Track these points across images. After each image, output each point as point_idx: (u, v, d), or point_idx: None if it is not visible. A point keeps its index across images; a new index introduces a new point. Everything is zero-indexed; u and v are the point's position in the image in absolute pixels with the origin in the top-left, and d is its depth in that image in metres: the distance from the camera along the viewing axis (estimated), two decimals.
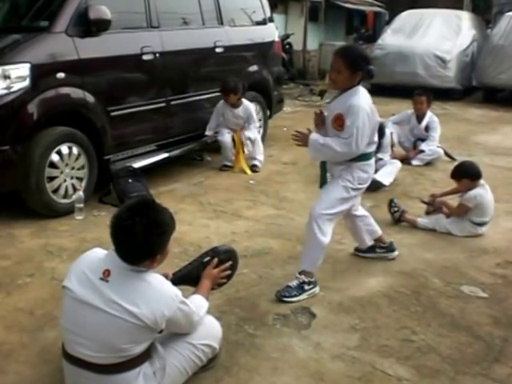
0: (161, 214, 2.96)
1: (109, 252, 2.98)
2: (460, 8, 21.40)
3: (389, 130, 7.98)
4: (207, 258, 3.56)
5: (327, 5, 20.88)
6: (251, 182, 7.43)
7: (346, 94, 4.27)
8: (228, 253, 3.67)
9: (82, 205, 5.95)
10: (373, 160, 4.54)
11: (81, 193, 5.98)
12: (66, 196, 6.05)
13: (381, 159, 7.49)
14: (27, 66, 5.56)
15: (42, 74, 5.69)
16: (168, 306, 2.88)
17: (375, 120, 4.33)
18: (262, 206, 6.49)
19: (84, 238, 5.44)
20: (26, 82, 5.56)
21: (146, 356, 2.99)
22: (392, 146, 8.02)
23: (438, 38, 15.16)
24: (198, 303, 3.21)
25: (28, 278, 4.64)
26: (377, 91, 15.25)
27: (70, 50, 5.96)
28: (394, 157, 7.86)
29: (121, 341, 2.84)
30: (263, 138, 8.72)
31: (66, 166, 6.00)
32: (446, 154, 8.70)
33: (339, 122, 4.21)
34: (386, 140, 7.67)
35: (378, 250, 5.12)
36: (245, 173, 7.79)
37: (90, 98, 6.14)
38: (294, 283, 4.39)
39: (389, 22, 18.83)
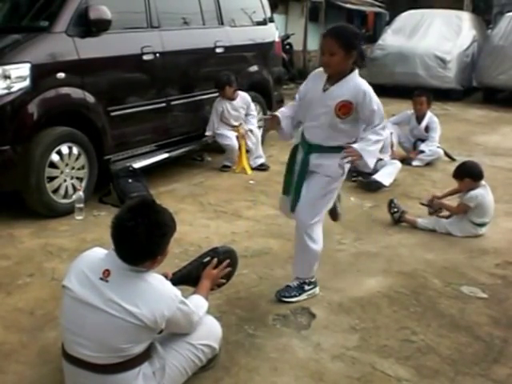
0: (162, 214, 2.97)
1: (109, 252, 2.99)
2: (460, 8, 21.36)
3: (389, 130, 7.97)
4: (207, 259, 3.56)
5: (327, 5, 20.85)
6: (251, 182, 7.43)
7: (347, 80, 4.01)
8: (228, 253, 3.67)
9: (82, 205, 5.95)
10: None
11: (81, 193, 5.97)
12: (66, 196, 6.05)
13: (381, 159, 7.49)
14: (27, 65, 5.56)
15: (42, 74, 5.70)
16: (168, 306, 2.88)
17: None
18: (262, 206, 6.49)
19: (84, 238, 5.44)
20: (26, 82, 5.56)
21: (145, 356, 2.99)
22: (392, 146, 8.02)
23: (438, 39, 15.14)
24: (197, 303, 3.21)
25: (28, 278, 4.64)
26: (377, 91, 15.29)
27: (70, 50, 5.96)
28: (393, 157, 7.85)
29: (120, 341, 2.84)
30: (263, 139, 8.71)
31: (66, 166, 6.00)
32: (446, 154, 8.71)
33: (345, 109, 3.98)
34: (386, 140, 7.66)
35: None
36: (245, 173, 7.79)
37: (90, 98, 6.14)
38: (294, 283, 4.38)
39: (389, 23, 18.81)
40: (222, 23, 8.30)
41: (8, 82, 5.45)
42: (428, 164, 8.44)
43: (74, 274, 2.97)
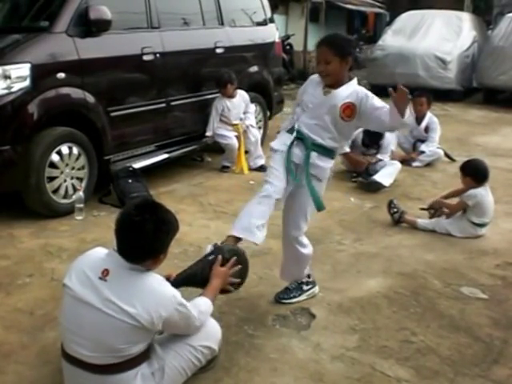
0: (166, 213, 3.00)
1: (109, 251, 2.99)
2: (461, 9, 21.38)
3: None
4: (212, 256, 3.50)
5: (328, 6, 20.86)
6: (251, 182, 7.42)
7: (349, 85, 4.00)
8: (232, 251, 3.59)
9: (81, 205, 5.95)
10: None
11: (81, 193, 5.97)
12: (66, 196, 6.05)
13: (381, 160, 7.50)
14: (27, 66, 5.56)
15: (42, 74, 5.70)
16: (165, 306, 2.88)
17: None
18: None
19: (84, 239, 5.44)
20: (27, 82, 5.56)
21: (144, 357, 2.99)
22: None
23: (438, 39, 15.15)
24: (200, 307, 3.19)
25: (28, 278, 4.64)
26: (377, 92, 15.32)
27: (71, 50, 5.96)
28: (393, 158, 7.85)
29: (117, 341, 2.84)
30: (263, 139, 8.72)
31: (66, 166, 6.00)
32: (446, 155, 8.71)
33: (349, 111, 3.95)
34: (386, 141, 7.66)
35: None
36: (243, 172, 7.79)
37: (91, 98, 6.14)
38: (293, 284, 4.38)
39: (389, 23, 18.83)
40: (222, 23, 8.30)
41: (8, 82, 5.45)
42: (428, 165, 8.44)
43: (74, 273, 2.97)
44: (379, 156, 7.57)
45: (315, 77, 4.16)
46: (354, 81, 4.07)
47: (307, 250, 4.23)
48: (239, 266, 3.56)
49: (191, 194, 6.89)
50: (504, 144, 10.21)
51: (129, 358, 2.90)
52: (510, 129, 11.72)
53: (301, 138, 4.00)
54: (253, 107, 8.43)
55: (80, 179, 6.18)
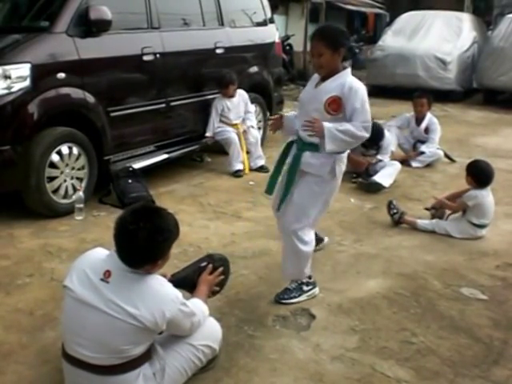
0: (165, 220, 2.96)
1: (110, 253, 2.99)
2: (461, 10, 21.38)
3: (389, 132, 7.98)
4: (203, 264, 3.59)
5: (328, 6, 20.86)
6: (251, 183, 7.42)
7: (337, 77, 4.01)
8: (222, 261, 3.69)
9: (81, 205, 5.95)
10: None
11: (81, 193, 5.97)
12: (65, 196, 6.05)
13: (380, 161, 7.50)
14: (28, 66, 5.56)
15: (42, 74, 5.69)
16: (169, 307, 2.88)
17: None
18: (261, 208, 6.48)
19: (84, 239, 5.44)
20: (27, 82, 5.56)
21: (145, 357, 3.00)
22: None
23: (438, 40, 15.15)
24: (198, 306, 3.22)
25: (27, 278, 4.64)
26: (377, 93, 15.36)
27: (71, 50, 5.96)
28: (393, 158, 7.85)
29: (120, 342, 2.84)
30: (263, 140, 8.73)
31: (66, 166, 6.00)
32: (446, 155, 8.71)
33: (334, 105, 3.96)
34: (386, 142, 7.66)
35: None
36: (245, 172, 7.79)
37: (91, 99, 6.14)
38: (293, 285, 4.38)
39: (389, 24, 18.81)
40: (222, 24, 8.30)
41: (8, 82, 5.45)
42: (428, 165, 8.43)
43: (75, 275, 2.97)
44: (379, 157, 7.56)
45: (316, 74, 4.21)
46: (346, 72, 4.07)
47: (307, 247, 4.22)
48: (222, 277, 3.63)
49: (191, 195, 6.89)
50: (504, 145, 10.21)
51: (131, 359, 2.90)
52: (510, 130, 11.71)
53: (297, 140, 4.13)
54: (253, 107, 8.43)
55: (80, 179, 6.18)
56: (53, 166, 5.86)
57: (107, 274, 2.88)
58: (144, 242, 2.83)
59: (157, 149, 7.27)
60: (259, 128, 8.84)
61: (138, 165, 6.74)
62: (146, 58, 6.84)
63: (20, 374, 3.41)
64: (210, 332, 3.30)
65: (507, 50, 14.19)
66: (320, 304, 4.32)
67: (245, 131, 8.00)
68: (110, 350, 2.86)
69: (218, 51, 8.12)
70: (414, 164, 8.38)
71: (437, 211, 5.97)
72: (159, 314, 2.84)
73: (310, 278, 4.41)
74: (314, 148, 4.08)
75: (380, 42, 16.13)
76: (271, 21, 9.59)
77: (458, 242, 5.63)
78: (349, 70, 4.10)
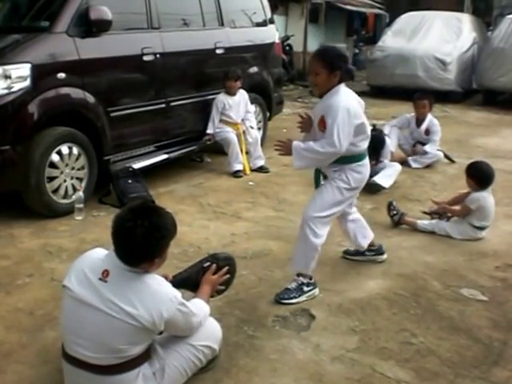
0: (162, 218, 2.96)
1: (109, 252, 2.99)
2: (460, 10, 21.40)
3: (387, 134, 7.98)
4: (207, 264, 3.57)
5: (328, 6, 20.86)
6: (251, 183, 7.43)
7: (327, 96, 4.24)
8: (227, 260, 3.68)
9: (81, 205, 5.95)
10: (366, 160, 4.46)
11: (81, 193, 5.98)
12: (65, 196, 6.06)
13: (381, 162, 7.50)
14: (28, 66, 5.56)
15: (42, 74, 5.70)
16: (167, 307, 2.88)
17: (359, 118, 4.22)
18: (261, 208, 6.49)
19: (83, 239, 5.44)
20: (27, 82, 5.56)
21: (145, 357, 2.99)
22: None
23: (438, 41, 15.16)
24: (199, 307, 3.21)
25: (27, 278, 4.64)
26: (377, 93, 15.39)
27: (71, 50, 5.96)
28: (393, 159, 7.85)
29: (118, 341, 2.84)
30: (263, 140, 8.73)
31: (66, 166, 6.00)
32: (446, 156, 8.70)
33: (322, 124, 4.19)
34: (386, 148, 7.66)
35: (368, 253, 5.10)
36: (245, 173, 7.79)
37: (91, 99, 6.14)
38: (293, 285, 4.39)
39: (389, 24, 18.82)
40: (222, 24, 8.30)
41: (8, 81, 5.45)
42: (428, 166, 8.43)
43: (74, 274, 2.97)
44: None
45: None
46: (336, 89, 4.22)
47: (315, 239, 4.32)
48: (228, 276, 3.63)
49: (191, 195, 6.90)
50: (504, 146, 10.21)
51: (130, 359, 2.90)
52: (510, 130, 11.71)
53: None
54: (252, 108, 8.44)
55: (80, 179, 6.18)
56: (53, 165, 5.87)
57: (105, 274, 2.88)
58: (141, 239, 2.83)
59: (157, 149, 7.27)
60: (259, 128, 8.85)
61: (137, 165, 6.75)
62: (146, 58, 6.85)
63: (20, 374, 3.41)
64: (210, 332, 3.30)
65: (507, 51, 14.21)
66: (320, 304, 4.33)
67: (244, 131, 8.01)
68: (108, 350, 2.86)
69: (218, 51, 8.13)
70: (414, 165, 8.38)
71: (441, 217, 5.94)
72: (157, 313, 2.84)
73: (310, 278, 4.42)
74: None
75: (380, 43, 16.15)
76: (271, 21, 9.60)
77: (457, 243, 5.63)
78: (339, 87, 4.23)
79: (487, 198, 5.71)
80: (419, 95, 8.72)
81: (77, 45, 6.01)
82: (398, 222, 5.96)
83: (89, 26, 6.08)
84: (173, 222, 3.02)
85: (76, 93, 6.02)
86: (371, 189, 7.12)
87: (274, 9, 11.09)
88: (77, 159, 6.10)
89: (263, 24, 9.41)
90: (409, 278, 4.85)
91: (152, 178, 7.06)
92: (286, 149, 4.31)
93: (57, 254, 5.10)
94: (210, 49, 8.02)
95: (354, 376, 3.48)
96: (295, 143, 4.25)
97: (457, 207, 5.89)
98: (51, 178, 5.88)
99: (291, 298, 4.31)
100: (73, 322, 2.93)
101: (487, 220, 5.73)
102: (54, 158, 5.85)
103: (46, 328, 3.88)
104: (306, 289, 4.37)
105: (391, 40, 15.79)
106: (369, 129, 4.40)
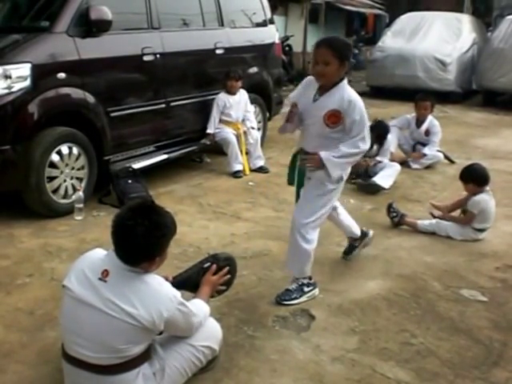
0: (162, 216, 2.97)
1: (108, 252, 2.99)
2: (460, 11, 21.40)
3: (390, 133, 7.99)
4: (207, 264, 3.57)
5: (327, 7, 20.88)
6: (250, 183, 7.43)
7: (336, 89, 4.03)
8: (228, 260, 3.67)
9: (81, 205, 5.95)
10: None
11: (80, 193, 5.97)
12: (65, 196, 6.05)
13: (380, 162, 7.51)
14: (28, 65, 5.55)
15: (42, 74, 5.69)
16: (166, 307, 2.88)
17: None
18: (261, 208, 6.49)
19: (83, 239, 5.44)
20: (27, 82, 5.55)
21: (145, 357, 2.99)
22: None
23: (438, 41, 15.17)
24: (199, 307, 3.22)
25: (27, 277, 4.64)
26: (376, 94, 15.40)
27: (71, 50, 5.96)
28: (392, 159, 7.85)
29: (118, 341, 2.84)
30: (263, 140, 8.73)
31: (66, 166, 6.00)
32: (446, 157, 8.70)
33: (334, 118, 4.01)
34: (387, 143, 7.68)
35: (357, 244, 5.08)
36: (245, 173, 7.80)
37: (91, 99, 6.14)
38: (294, 286, 4.38)
39: (389, 25, 18.82)
40: (222, 24, 8.30)
41: (9, 81, 5.45)
42: (427, 167, 8.42)
43: (74, 274, 2.97)
44: (379, 158, 7.57)
45: (310, 78, 4.21)
46: (343, 84, 4.08)
47: (307, 245, 4.25)
48: (228, 276, 3.63)
49: (190, 195, 6.90)
50: (504, 146, 10.22)
51: (130, 359, 2.90)
52: (510, 131, 11.72)
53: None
54: (252, 108, 8.44)
55: (80, 179, 6.18)
56: (53, 165, 5.86)
57: (105, 274, 2.88)
58: (142, 237, 2.84)
59: (156, 149, 7.27)
60: (259, 129, 8.85)
61: (137, 165, 6.74)
62: (146, 58, 6.84)
63: (20, 374, 3.41)
64: (210, 333, 3.30)
65: (507, 52, 14.21)
66: (320, 305, 4.33)
67: (245, 132, 8.01)
68: (108, 350, 2.86)
69: (218, 52, 8.12)
70: (414, 165, 8.38)
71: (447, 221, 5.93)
72: (157, 313, 2.84)
73: (310, 278, 4.42)
74: None
75: (379, 43, 16.14)
76: (271, 21, 9.59)
77: (457, 244, 5.63)
78: (345, 81, 4.11)
79: (488, 201, 5.71)
80: (421, 96, 8.71)
81: (77, 45, 6.00)
82: (397, 223, 5.96)
83: (89, 26, 6.07)
84: (172, 220, 3.03)
85: (76, 93, 6.02)
86: (371, 189, 7.13)
87: (273, 9, 11.09)
88: (77, 159, 6.10)
89: (263, 24, 9.40)
90: (409, 278, 4.85)
91: (152, 178, 7.06)
92: (316, 162, 4.08)
93: (57, 254, 5.10)
94: (209, 49, 8.01)
95: (354, 376, 3.48)
96: (324, 155, 4.03)
97: (458, 214, 5.87)
98: (51, 178, 5.88)
99: (292, 299, 4.31)
100: (73, 321, 2.93)
101: (488, 222, 5.74)
102: (54, 157, 5.85)
103: (46, 328, 3.88)
104: (306, 289, 4.37)
105: (391, 40, 15.79)
106: None
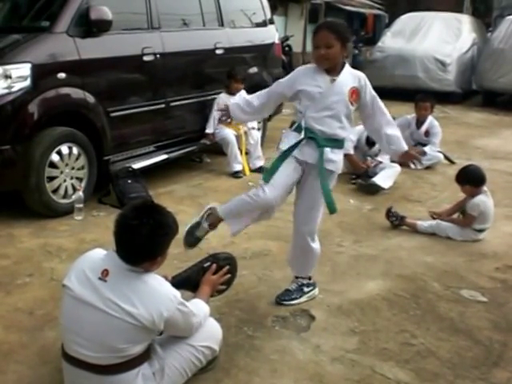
0: (165, 216, 2.98)
1: (109, 252, 2.99)
2: (460, 11, 21.42)
3: None
4: (207, 264, 3.58)
5: (327, 7, 20.91)
6: (250, 183, 7.40)
7: (347, 69, 4.01)
8: (228, 260, 3.68)
9: (81, 205, 5.95)
10: None
11: (80, 193, 5.97)
12: (65, 196, 6.05)
13: (380, 162, 7.51)
14: (28, 65, 5.55)
15: (42, 74, 5.69)
16: (166, 306, 2.88)
17: None
18: None
19: (83, 239, 5.43)
20: (27, 82, 5.55)
21: (145, 357, 2.99)
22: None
23: (438, 41, 15.17)
24: (198, 307, 3.22)
25: (27, 277, 4.63)
26: (376, 94, 15.36)
27: (71, 50, 5.96)
28: (392, 160, 7.84)
29: (118, 341, 2.84)
30: (262, 140, 8.72)
31: (66, 166, 6.00)
32: (446, 157, 8.70)
33: (355, 95, 3.99)
34: None
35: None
36: (245, 173, 7.80)
37: (91, 99, 6.14)
38: (293, 286, 4.38)
39: (389, 25, 18.84)
40: (222, 25, 8.31)
41: (9, 81, 5.45)
42: (427, 167, 8.41)
43: (74, 274, 2.97)
44: (379, 158, 7.57)
45: (307, 67, 4.14)
46: (347, 65, 4.07)
47: (316, 245, 4.26)
48: (228, 275, 3.63)
49: (190, 195, 6.89)
50: (503, 147, 10.22)
51: (130, 358, 2.90)
52: (510, 131, 11.73)
53: (311, 137, 3.95)
54: None
55: (80, 179, 6.18)
56: (53, 165, 5.86)
57: (105, 273, 2.88)
58: (146, 237, 2.85)
59: (156, 149, 7.27)
60: (258, 129, 8.84)
61: (137, 165, 6.74)
62: (146, 58, 6.84)
63: (20, 374, 3.41)
64: (210, 333, 3.30)
65: (507, 52, 14.22)
66: (320, 305, 4.32)
67: (245, 133, 8.00)
68: (108, 349, 2.85)
69: (218, 52, 8.13)
70: (414, 166, 8.35)
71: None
72: (157, 312, 2.84)
73: (309, 278, 4.41)
74: (335, 143, 4.02)
75: (379, 44, 16.16)
76: (271, 22, 9.60)
77: (457, 244, 5.64)
78: (347, 64, 4.09)
79: (486, 201, 5.71)
80: (422, 97, 8.71)
81: (77, 45, 6.00)
82: (397, 225, 5.95)
83: (89, 26, 6.07)
84: (175, 221, 3.04)
85: (76, 93, 6.02)
86: (371, 189, 7.13)
87: (273, 9, 11.08)
88: (77, 159, 6.10)
89: (263, 24, 9.41)
90: (409, 278, 4.85)
91: (152, 178, 7.06)
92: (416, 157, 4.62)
93: (56, 254, 5.10)
94: (209, 49, 8.02)
95: (354, 377, 3.48)
96: (405, 146, 4.35)
97: (457, 217, 5.88)
98: (51, 178, 5.88)
99: (292, 300, 4.31)
100: (72, 321, 2.92)
101: (488, 223, 5.74)
102: (54, 157, 5.85)
103: (46, 328, 3.87)
104: (306, 289, 4.37)
105: (391, 41, 15.81)
106: None
